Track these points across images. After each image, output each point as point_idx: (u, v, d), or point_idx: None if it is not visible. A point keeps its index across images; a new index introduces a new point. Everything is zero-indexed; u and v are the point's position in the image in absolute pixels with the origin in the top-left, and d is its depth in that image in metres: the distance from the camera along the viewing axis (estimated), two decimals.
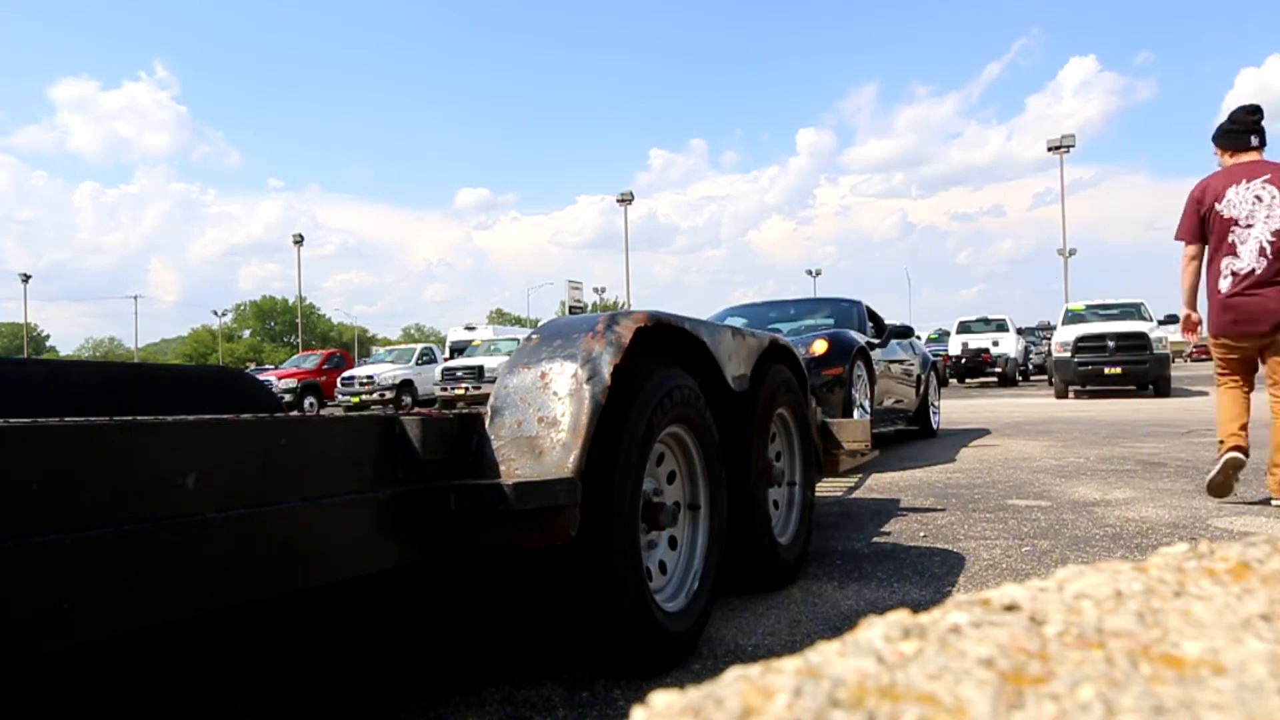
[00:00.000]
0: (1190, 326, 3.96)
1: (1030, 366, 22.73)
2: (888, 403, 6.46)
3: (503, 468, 1.55)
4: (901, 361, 6.97)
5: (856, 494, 4.46)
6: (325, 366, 21.08)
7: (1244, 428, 3.71)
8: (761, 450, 2.46)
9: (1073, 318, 14.20)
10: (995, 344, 19.05)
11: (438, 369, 18.33)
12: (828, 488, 4.58)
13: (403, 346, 23.20)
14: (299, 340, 51.21)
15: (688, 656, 1.94)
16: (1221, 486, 3.75)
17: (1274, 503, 3.67)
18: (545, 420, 1.57)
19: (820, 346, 5.33)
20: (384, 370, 18.98)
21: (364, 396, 18.17)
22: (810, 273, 58.85)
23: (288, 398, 18.47)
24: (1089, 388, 13.33)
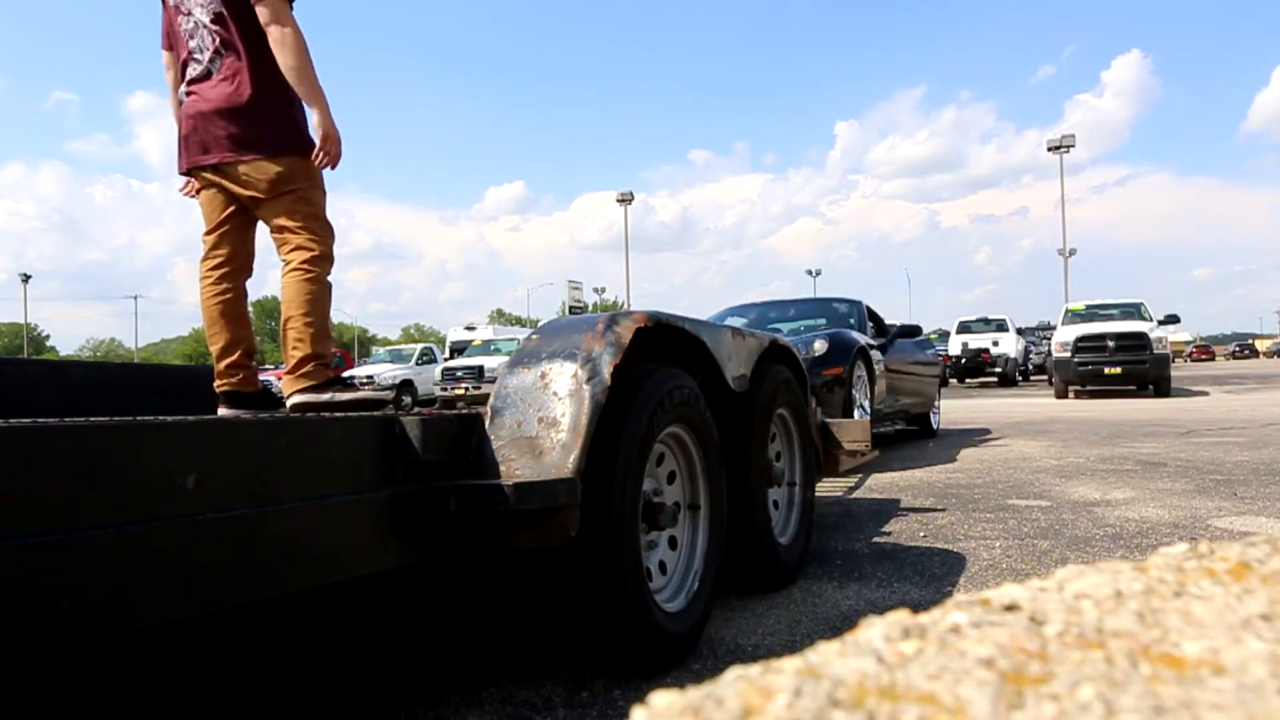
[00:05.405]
0: None
1: (1030, 366, 22.72)
2: (904, 401, 6.84)
3: (503, 468, 1.55)
4: (928, 362, 7.54)
5: (856, 494, 4.46)
6: None
7: None
8: (761, 450, 2.46)
9: (1073, 318, 14.19)
10: (995, 344, 19.05)
11: (438, 369, 18.33)
12: (828, 488, 4.58)
13: (403, 346, 23.20)
14: None
15: (688, 656, 1.94)
16: None
17: None
18: (545, 420, 1.57)
19: (820, 346, 5.34)
20: (384, 370, 18.97)
21: None
22: (810, 272, 58.84)
23: None
24: (1089, 388, 13.33)
